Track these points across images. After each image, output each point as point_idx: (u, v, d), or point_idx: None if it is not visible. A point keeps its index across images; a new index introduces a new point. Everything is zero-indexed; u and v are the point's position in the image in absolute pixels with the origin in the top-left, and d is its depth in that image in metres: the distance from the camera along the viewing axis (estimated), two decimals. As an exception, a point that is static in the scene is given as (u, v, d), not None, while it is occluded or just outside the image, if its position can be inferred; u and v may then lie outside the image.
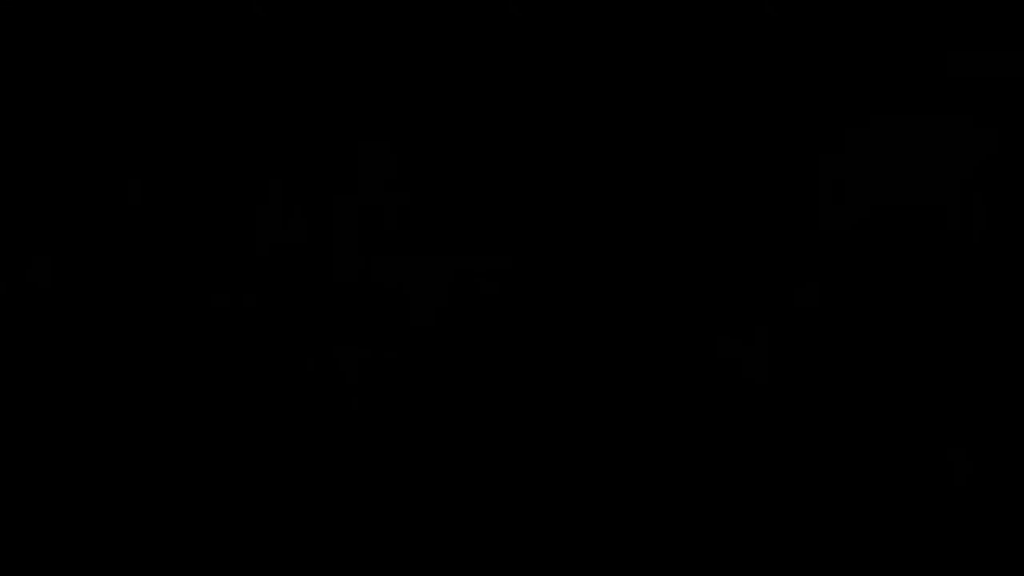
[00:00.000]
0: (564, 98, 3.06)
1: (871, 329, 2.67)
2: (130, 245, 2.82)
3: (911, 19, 2.98)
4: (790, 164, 2.98)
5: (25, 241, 2.70)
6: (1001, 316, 2.92)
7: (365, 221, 2.73)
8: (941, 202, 3.14)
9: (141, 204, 2.83)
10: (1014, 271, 3.02)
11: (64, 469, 2.51)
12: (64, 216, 2.73)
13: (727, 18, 2.98)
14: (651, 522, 2.08)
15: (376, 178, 2.77)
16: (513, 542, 2.18)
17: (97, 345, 2.68)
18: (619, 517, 2.12)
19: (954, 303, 2.93)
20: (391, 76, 2.78)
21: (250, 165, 2.88)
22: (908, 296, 2.94)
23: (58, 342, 2.63)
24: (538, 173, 2.98)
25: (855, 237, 2.87)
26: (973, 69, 3.10)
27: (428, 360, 2.71)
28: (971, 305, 2.94)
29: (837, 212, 3.06)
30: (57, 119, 2.65)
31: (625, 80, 2.98)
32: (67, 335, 2.64)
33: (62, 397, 2.59)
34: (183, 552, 2.41)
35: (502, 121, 3.02)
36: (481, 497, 2.39)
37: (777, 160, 2.96)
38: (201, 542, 2.42)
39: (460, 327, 2.76)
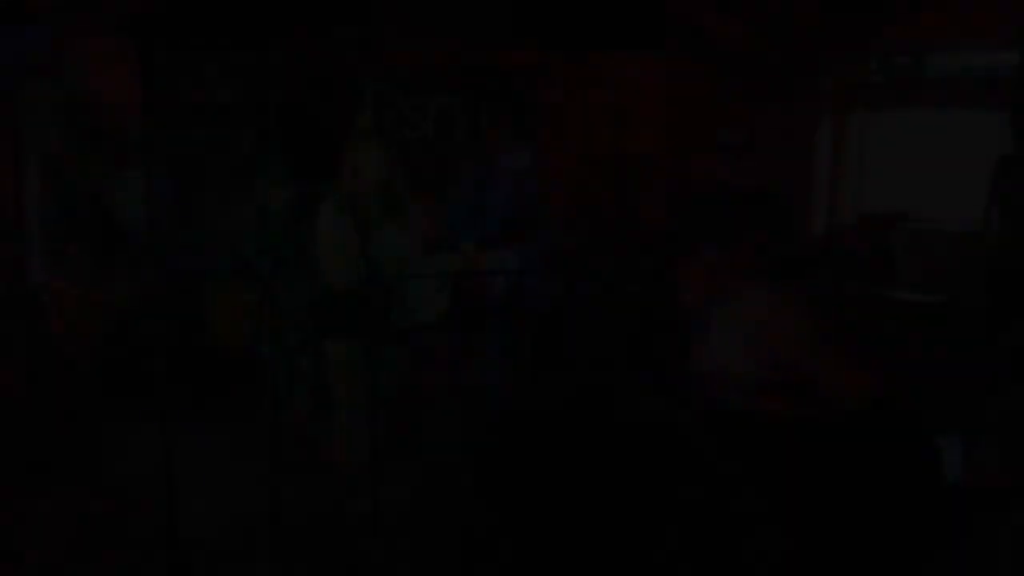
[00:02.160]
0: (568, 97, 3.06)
1: (876, 328, 2.65)
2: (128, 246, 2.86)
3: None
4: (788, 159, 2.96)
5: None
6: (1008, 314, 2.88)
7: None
8: (953, 202, 3.11)
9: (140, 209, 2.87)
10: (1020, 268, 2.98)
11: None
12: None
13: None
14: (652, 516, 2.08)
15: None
16: (515, 536, 2.19)
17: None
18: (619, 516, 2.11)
19: (957, 301, 2.91)
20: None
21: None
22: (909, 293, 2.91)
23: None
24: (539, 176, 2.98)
25: (854, 236, 2.86)
26: (988, 69, 3.07)
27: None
28: (975, 303, 2.91)
29: (836, 212, 3.03)
30: None
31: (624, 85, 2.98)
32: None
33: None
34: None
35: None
36: (480, 493, 2.40)
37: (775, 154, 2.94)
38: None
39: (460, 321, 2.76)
